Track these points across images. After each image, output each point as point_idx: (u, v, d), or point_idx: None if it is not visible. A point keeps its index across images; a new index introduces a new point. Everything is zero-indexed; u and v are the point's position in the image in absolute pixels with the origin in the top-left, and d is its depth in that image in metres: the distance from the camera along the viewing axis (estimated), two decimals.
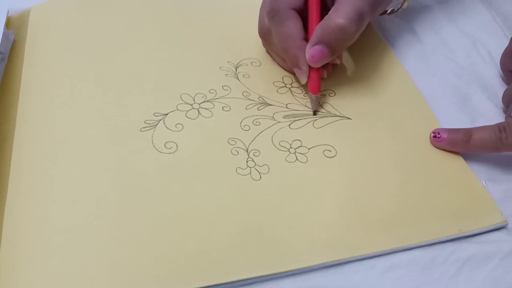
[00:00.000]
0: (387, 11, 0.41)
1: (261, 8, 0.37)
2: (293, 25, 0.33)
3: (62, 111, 0.32)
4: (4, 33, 0.35)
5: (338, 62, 0.35)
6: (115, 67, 0.36)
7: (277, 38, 0.34)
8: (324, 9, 0.34)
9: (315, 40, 0.32)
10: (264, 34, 0.36)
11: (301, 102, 0.35)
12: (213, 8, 0.43)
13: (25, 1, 0.40)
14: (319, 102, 0.35)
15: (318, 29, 0.32)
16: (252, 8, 0.38)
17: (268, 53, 0.38)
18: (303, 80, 0.34)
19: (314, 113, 0.34)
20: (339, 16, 0.32)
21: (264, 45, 0.38)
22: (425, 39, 0.42)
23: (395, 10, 0.41)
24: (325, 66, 0.35)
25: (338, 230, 0.28)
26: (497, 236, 0.29)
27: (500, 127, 0.31)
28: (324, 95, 0.35)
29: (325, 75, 0.35)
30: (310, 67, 0.34)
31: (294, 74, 0.36)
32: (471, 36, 0.43)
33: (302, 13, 0.34)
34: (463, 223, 0.29)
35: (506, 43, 0.38)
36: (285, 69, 0.37)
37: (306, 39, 0.34)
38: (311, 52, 0.33)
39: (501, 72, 0.39)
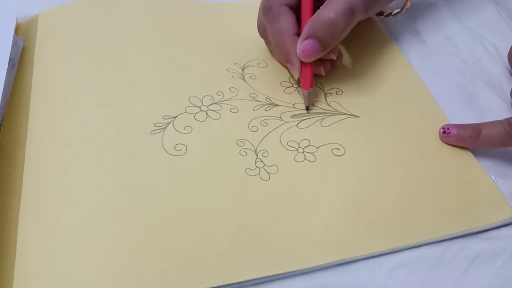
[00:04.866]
0: (391, 13, 0.41)
1: (259, 7, 0.37)
2: (285, 21, 0.33)
3: (71, 115, 0.33)
4: (13, 40, 0.36)
5: (334, 58, 0.35)
6: (122, 70, 0.36)
7: (271, 35, 0.35)
8: (319, 5, 0.34)
9: (306, 34, 0.32)
10: (262, 31, 0.37)
11: None
12: (217, 9, 0.43)
13: (33, 7, 0.41)
14: (311, 98, 0.35)
15: (308, 24, 0.32)
16: (257, 9, 0.38)
17: (270, 51, 0.39)
18: (296, 75, 0.34)
19: (307, 109, 0.34)
20: (329, 10, 0.32)
21: (265, 44, 0.39)
22: (430, 37, 0.42)
23: (399, 11, 0.40)
24: (322, 63, 0.35)
25: (347, 229, 0.28)
26: (506, 232, 0.29)
27: (509, 122, 0.31)
28: (331, 93, 0.36)
29: (323, 72, 0.36)
30: (302, 62, 0.34)
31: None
32: (477, 32, 0.42)
33: (296, 10, 0.34)
34: (473, 219, 0.29)
35: None
36: (285, 66, 0.37)
37: (299, 34, 0.34)
38: (302, 46, 0.33)
39: (509, 67, 0.39)
